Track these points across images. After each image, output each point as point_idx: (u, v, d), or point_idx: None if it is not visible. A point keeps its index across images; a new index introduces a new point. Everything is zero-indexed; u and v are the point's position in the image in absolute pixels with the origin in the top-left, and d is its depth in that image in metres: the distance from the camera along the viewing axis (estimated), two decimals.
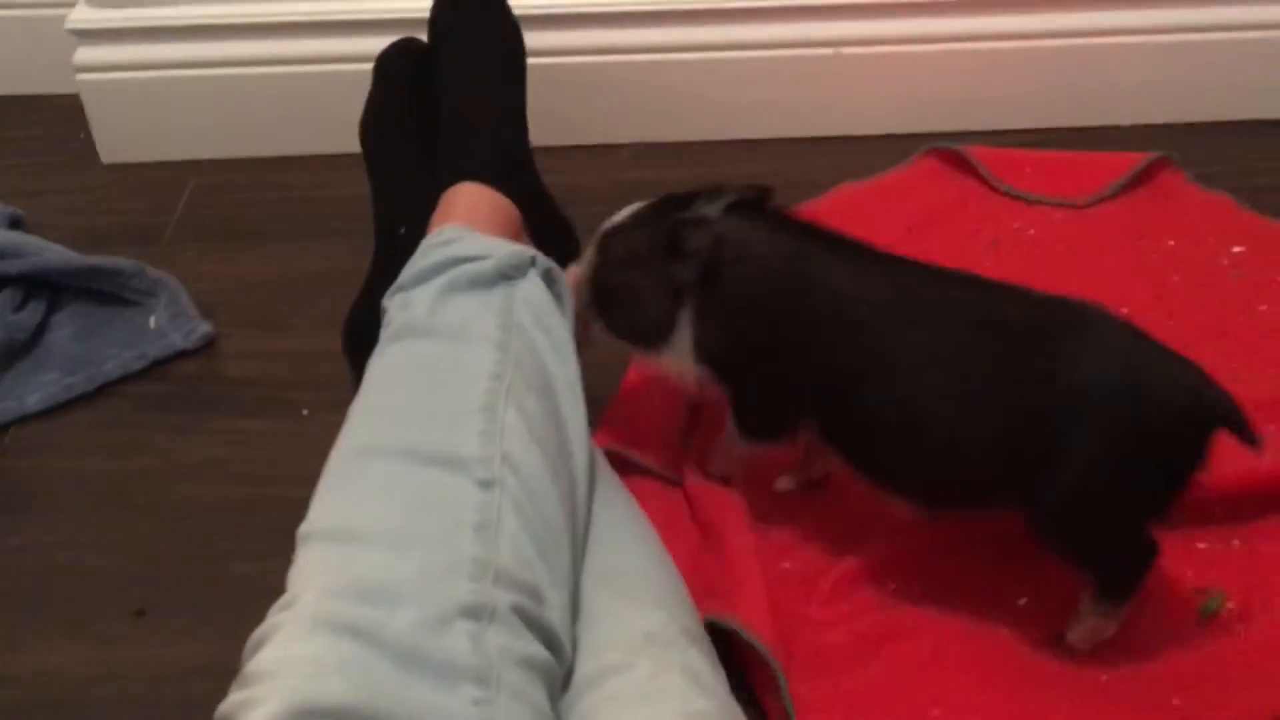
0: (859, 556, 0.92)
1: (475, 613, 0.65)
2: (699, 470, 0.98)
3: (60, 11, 1.35)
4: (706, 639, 0.80)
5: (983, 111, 1.38)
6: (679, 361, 0.90)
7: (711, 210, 0.87)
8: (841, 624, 0.87)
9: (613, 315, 0.92)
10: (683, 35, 1.33)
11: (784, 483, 0.99)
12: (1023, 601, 0.89)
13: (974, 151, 1.28)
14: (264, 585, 0.92)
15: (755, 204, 0.89)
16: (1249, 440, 0.79)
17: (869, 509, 0.92)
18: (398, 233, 1.06)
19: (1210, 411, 0.79)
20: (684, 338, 0.89)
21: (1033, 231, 1.21)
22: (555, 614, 0.70)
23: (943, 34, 1.34)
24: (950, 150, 1.29)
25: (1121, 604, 0.85)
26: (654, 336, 0.90)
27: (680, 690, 0.72)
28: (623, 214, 0.92)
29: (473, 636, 0.64)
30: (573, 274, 0.94)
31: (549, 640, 0.69)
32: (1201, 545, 0.92)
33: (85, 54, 1.35)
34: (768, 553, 0.92)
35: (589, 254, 0.92)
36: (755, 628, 0.82)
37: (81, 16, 1.33)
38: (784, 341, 0.86)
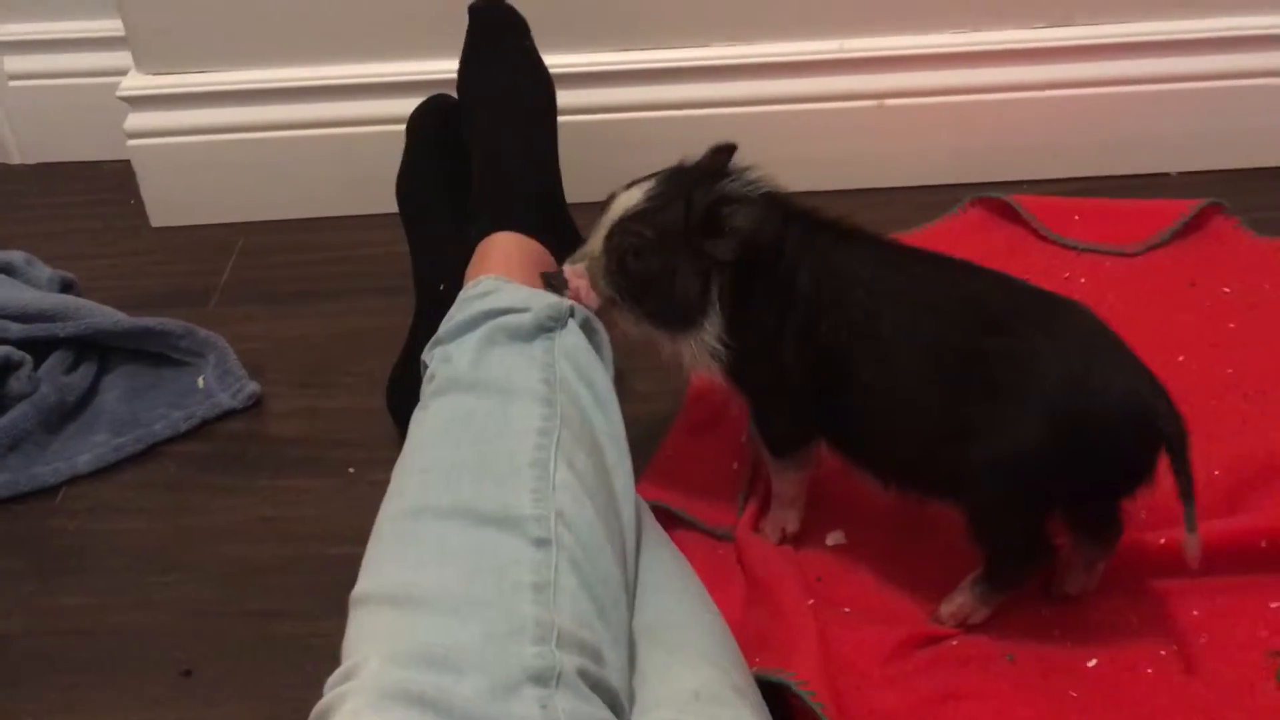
0: (918, 614, 0.90)
1: (542, 678, 0.64)
2: (752, 527, 0.97)
3: (111, 80, 1.38)
4: (758, 695, 0.78)
5: (1028, 161, 1.37)
6: (702, 348, 0.89)
7: (748, 192, 0.88)
8: (900, 683, 0.85)
9: (645, 300, 0.89)
10: (724, 90, 1.34)
11: (835, 538, 0.97)
12: (1092, 663, 0.87)
13: (1021, 200, 1.27)
14: (309, 645, 0.93)
15: (774, 193, 0.90)
16: (1178, 468, 0.79)
17: (931, 565, 0.91)
18: (437, 289, 1.07)
19: (1150, 425, 0.80)
20: (712, 324, 0.89)
21: (1083, 280, 1.20)
22: (615, 674, 0.69)
23: (987, 84, 1.34)
24: (997, 199, 1.28)
25: (997, 593, 0.88)
26: (685, 318, 0.89)
27: None
28: (631, 199, 0.89)
29: (542, 703, 0.63)
30: (575, 273, 0.90)
31: (612, 702, 0.67)
32: (1275, 605, 0.89)
33: (136, 120, 1.37)
34: (823, 607, 0.90)
35: (598, 246, 0.90)
36: (810, 684, 0.80)
37: (132, 84, 1.36)
38: (784, 325, 0.87)
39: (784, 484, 0.96)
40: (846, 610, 0.91)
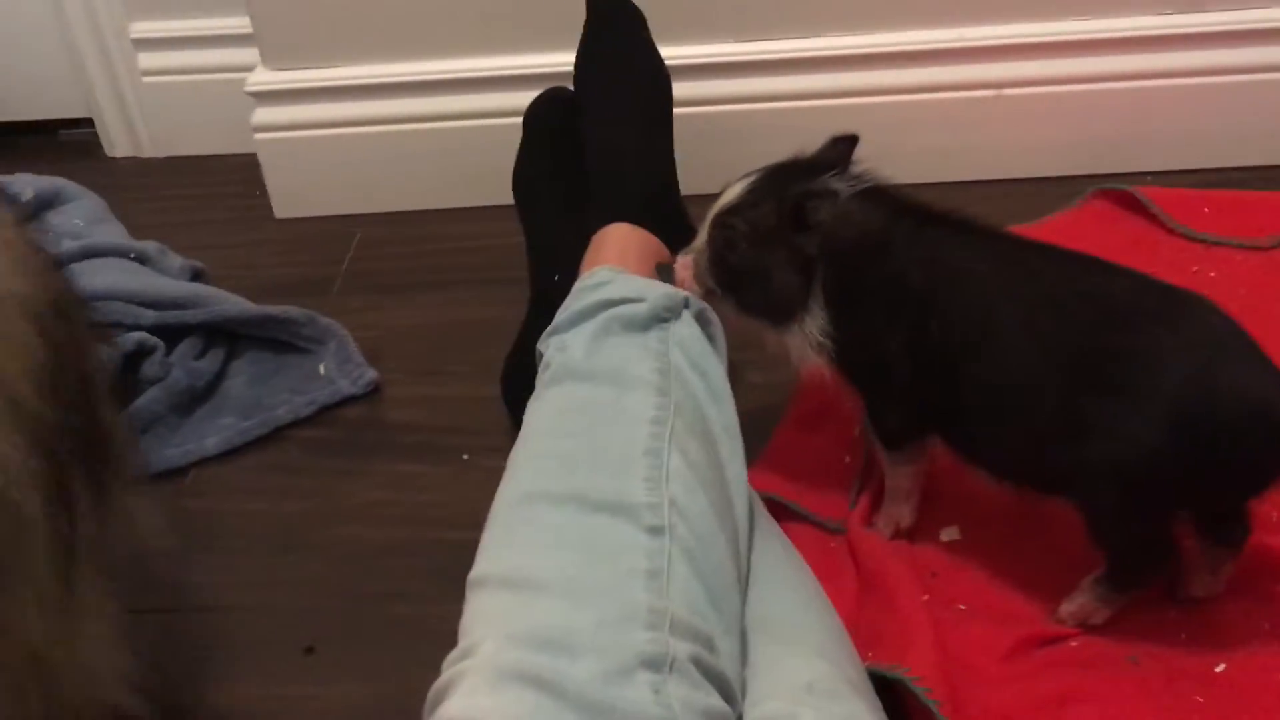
0: (1036, 612, 0.88)
1: (655, 663, 0.64)
2: (865, 521, 0.96)
3: (238, 76, 1.42)
4: (872, 691, 0.77)
5: (1153, 151, 1.33)
6: (807, 342, 0.90)
7: (839, 186, 0.88)
8: (1018, 682, 0.83)
9: (743, 293, 0.91)
10: (840, 81, 1.32)
11: (950, 534, 0.96)
12: (1220, 668, 0.84)
13: (1146, 192, 1.23)
14: (426, 627, 0.95)
15: (880, 186, 0.90)
16: None
17: (1049, 563, 0.89)
18: (552, 280, 1.08)
19: (1278, 427, 0.77)
20: (814, 318, 0.89)
21: (1213, 274, 1.16)
22: (728, 663, 0.69)
23: (1109, 72, 1.30)
24: (1121, 191, 1.25)
25: (1118, 594, 0.85)
26: (789, 308, 0.89)
27: None
28: (732, 193, 0.91)
29: (655, 688, 0.63)
30: (684, 264, 0.93)
31: (724, 690, 0.67)
32: None
33: (262, 114, 1.42)
34: (938, 604, 0.89)
35: (702, 239, 0.92)
36: (925, 680, 0.79)
37: (259, 79, 1.40)
38: (894, 320, 0.87)
39: (898, 478, 0.95)
40: (961, 607, 0.90)
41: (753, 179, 0.91)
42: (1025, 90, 1.31)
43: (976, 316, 0.85)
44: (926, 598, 0.89)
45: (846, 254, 0.87)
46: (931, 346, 0.86)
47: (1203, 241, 1.19)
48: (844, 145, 0.92)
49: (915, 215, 0.88)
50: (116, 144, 1.62)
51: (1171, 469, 0.79)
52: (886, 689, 0.80)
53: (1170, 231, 1.21)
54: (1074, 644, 0.86)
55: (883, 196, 0.89)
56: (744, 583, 0.79)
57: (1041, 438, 0.83)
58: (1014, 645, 0.85)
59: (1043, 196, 1.29)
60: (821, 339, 0.89)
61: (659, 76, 1.14)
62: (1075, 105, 1.32)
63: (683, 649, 0.66)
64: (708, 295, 0.92)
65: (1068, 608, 0.87)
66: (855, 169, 0.90)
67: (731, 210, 0.90)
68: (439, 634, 0.71)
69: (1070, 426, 0.81)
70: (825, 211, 0.86)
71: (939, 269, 0.86)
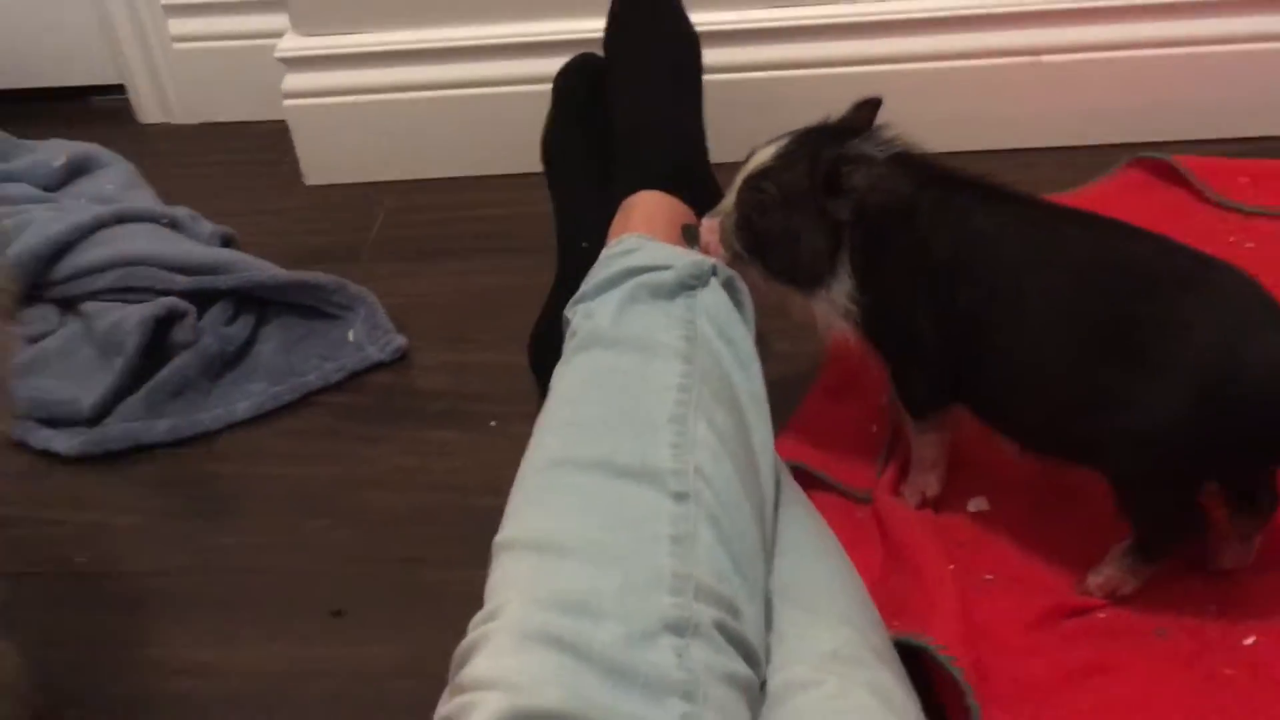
0: (1063, 583, 0.88)
1: (679, 628, 0.64)
2: (892, 490, 0.96)
3: (268, 42, 1.42)
4: (897, 659, 0.77)
5: (1190, 119, 1.30)
6: (834, 308, 0.90)
7: (872, 151, 0.87)
8: (1046, 653, 0.83)
9: (770, 257, 0.91)
10: (872, 48, 1.31)
11: (977, 504, 0.96)
12: (1250, 641, 0.83)
13: (1183, 161, 1.22)
14: (453, 591, 0.95)
15: (909, 151, 0.89)
16: None
17: (1077, 534, 0.88)
18: (579, 247, 1.08)
19: None
20: (841, 284, 0.88)
21: (1250, 244, 1.14)
22: (752, 629, 0.69)
23: (1148, 39, 1.28)
24: (1157, 160, 1.23)
25: (1147, 565, 0.85)
26: (812, 277, 0.89)
27: (869, 709, 0.70)
28: (762, 156, 0.91)
29: (678, 651, 0.63)
30: (710, 227, 0.93)
31: (748, 656, 0.68)
32: None
33: (292, 81, 1.42)
34: (964, 574, 0.89)
35: (730, 201, 0.92)
36: (950, 649, 0.79)
37: (289, 45, 1.40)
38: (930, 283, 0.86)
39: (924, 447, 0.94)
40: (988, 577, 0.89)
41: (783, 143, 0.91)
42: (1063, 57, 1.29)
43: (1002, 285, 0.84)
44: (952, 567, 0.88)
45: (875, 220, 0.87)
46: (958, 315, 0.86)
47: (1240, 211, 1.18)
48: (868, 109, 0.91)
49: (943, 181, 0.88)
50: (147, 110, 1.63)
51: (1198, 437, 0.78)
52: (911, 658, 0.80)
53: (1207, 201, 1.19)
54: (1101, 615, 0.86)
55: (911, 162, 0.88)
56: (769, 550, 0.79)
57: (1068, 407, 0.83)
58: (1041, 615, 0.85)
59: (1078, 165, 1.27)
60: (848, 305, 0.89)
61: (689, 43, 1.13)
62: (1113, 72, 1.30)
63: (706, 614, 0.66)
64: (733, 260, 0.92)
65: (1095, 579, 0.87)
66: (884, 134, 0.90)
67: (762, 174, 0.90)
68: (464, 597, 0.71)
69: (1096, 395, 0.80)
70: (860, 177, 0.86)
71: (965, 236, 0.85)
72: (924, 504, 0.95)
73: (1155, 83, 1.30)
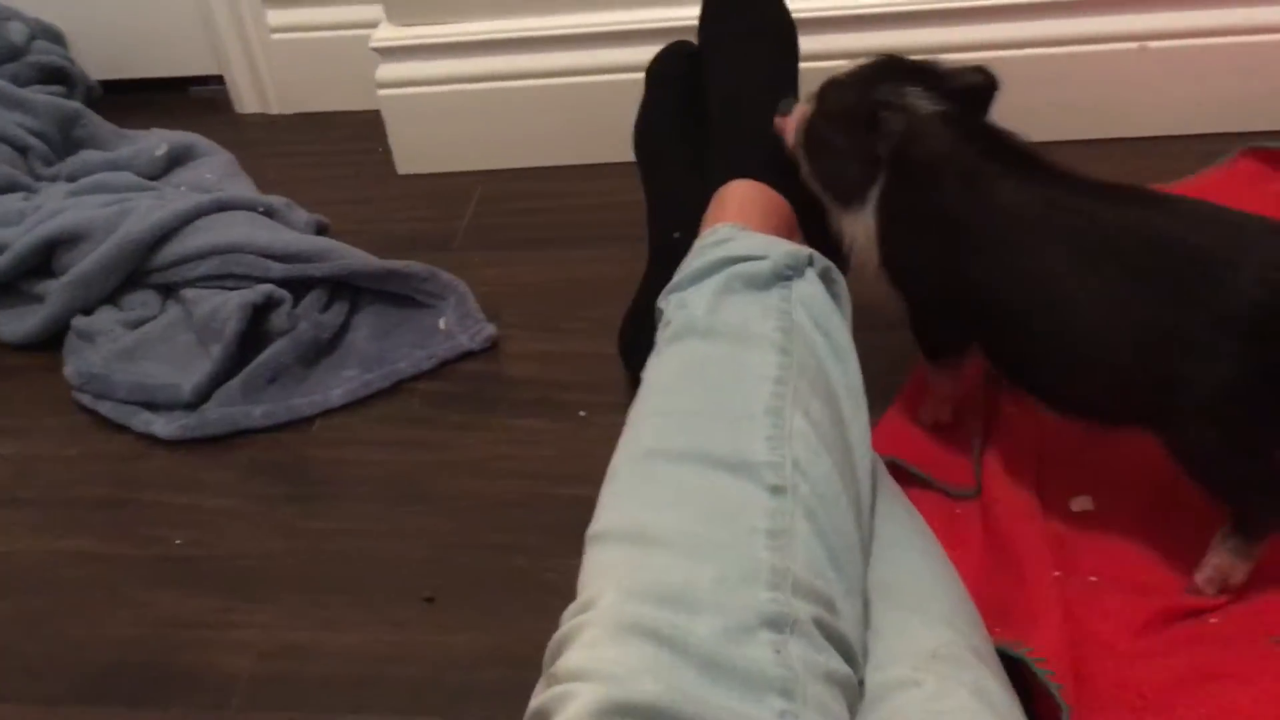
0: (1172, 586, 0.85)
1: (776, 623, 0.64)
2: (996, 487, 0.93)
3: (363, 32, 1.44)
4: (997, 660, 0.75)
5: None
6: (865, 235, 0.92)
7: (922, 103, 0.88)
8: (1154, 658, 0.80)
9: (816, 163, 0.95)
10: (970, 34, 1.28)
11: (1081, 503, 0.93)
12: None
13: None
14: (542, 581, 0.96)
15: (967, 109, 0.89)
16: None
17: (1184, 535, 0.85)
18: (671, 237, 1.07)
19: None
20: (869, 216, 0.91)
21: None
22: (849, 626, 0.68)
23: (1260, 24, 1.23)
24: (1272, 150, 1.18)
25: (1252, 542, 0.82)
26: (847, 197, 0.93)
27: (971, 710, 0.68)
28: (845, 69, 0.94)
29: (776, 647, 0.63)
30: (801, 110, 0.97)
31: (846, 653, 0.66)
32: None
33: (386, 70, 1.43)
34: (1069, 576, 0.86)
35: (811, 97, 0.96)
36: (1049, 662, 0.77)
37: (384, 35, 1.41)
38: (948, 247, 0.87)
39: (939, 383, 0.99)
40: (1093, 579, 0.87)
41: (866, 62, 0.93)
42: (1171, 43, 1.25)
43: (1023, 264, 0.84)
44: (1058, 574, 0.86)
45: (907, 170, 0.88)
46: (971, 281, 0.86)
47: None
48: (974, 75, 0.90)
49: (983, 146, 0.87)
50: (245, 100, 1.65)
51: (1255, 395, 0.76)
52: (1013, 664, 0.78)
53: None
54: (1213, 620, 0.83)
55: (961, 122, 0.88)
56: (867, 546, 0.78)
57: (1108, 383, 0.82)
58: (1148, 620, 0.82)
59: (1187, 155, 1.23)
60: (871, 239, 0.92)
61: (785, 30, 1.12)
62: (1223, 60, 1.25)
63: (804, 610, 0.65)
64: (794, 149, 0.97)
65: (1203, 574, 0.84)
66: (948, 88, 0.89)
67: (836, 85, 0.93)
68: (555, 587, 0.72)
69: (1144, 372, 0.79)
70: (896, 123, 0.88)
71: (988, 206, 0.85)
72: (937, 427, 0.99)
73: (1268, 70, 1.25)
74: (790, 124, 0.97)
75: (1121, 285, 0.80)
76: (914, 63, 0.92)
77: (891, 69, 0.92)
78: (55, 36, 1.63)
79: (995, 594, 0.85)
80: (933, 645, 0.72)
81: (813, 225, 1.02)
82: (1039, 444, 0.96)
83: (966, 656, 0.72)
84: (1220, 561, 0.83)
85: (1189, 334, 0.77)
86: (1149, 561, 0.88)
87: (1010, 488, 0.93)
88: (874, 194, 0.90)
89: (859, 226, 0.93)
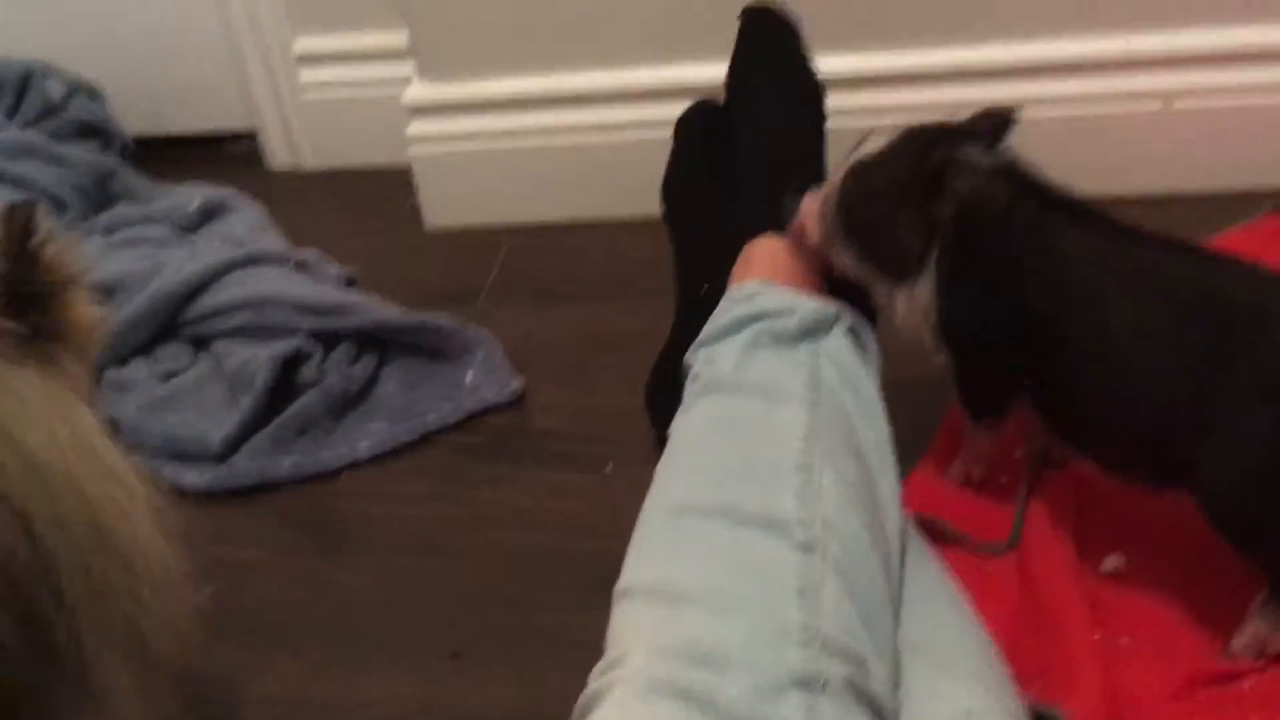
0: (1207, 648, 0.84)
1: (807, 683, 0.63)
2: (1038, 545, 0.93)
3: (393, 90, 1.46)
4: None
5: None
6: (914, 304, 0.91)
7: (980, 159, 0.88)
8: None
9: (864, 244, 0.92)
10: (998, 92, 1.27)
11: (1113, 562, 0.92)
12: None
13: None
14: (570, 638, 0.95)
15: (1016, 165, 0.89)
16: None
17: (1219, 596, 0.85)
18: (699, 291, 1.07)
19: None
20: (926, 282, 0.90)
21: None
22: (880, 686, 0.67)
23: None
24: None
25: None
26: (903, 270, 0.91)
27: None
28: (871, 146, 0.92)
29: (807, 708, 0.62)
30: (813, 200, 0.94)
31: (878, 714, 0.65)
32: None
33: (417, 126, 1.45)
34: (1104, 636, 0.85)
35: (835, 183, 0.93)
36: None
37: (415, 93, 1.44)
38: (1012, 299, 0.87)
39: (977, 440, 0.98)
40: (1125, 640, 0.86)
41: (895, 135, 0.92)
42: (1196, 103, 1.26)
43: (1085, 312, 0.84)
44: (1098, 636, 0.85)
45: (969, 226, 0.88)
46: (1034, 331, 0.86)
47: None
48: (989, 119, 0.91)
49: (1041, 198, 0.88)
50: (278, 156, 1.68)
51: None
52: None
53: None
54: (1247, 685, 0.81)
55: (1014, 173, 0.89)
56: (896, 604, 0.77)
57: (1151, 439, 0.82)
58: (1184, 683, 0.81)
59: (1212, 213, 1.23)
60: (928, 303, 0.90)
61: (812, 88, 1.13)
62: (1249, 118, 1.25)
63: (836, 669, 0.64)
64: (826, 239, 0.93)
65: (1240, 640, 0.83)
66: (994, 143, 0.90)
67: (870, 162, 0.91)
68: (581, 643, 0.71)
69: (1187, 429, 0.79)
70: (963, 181, 0.87)
71: (1050, 254, 0.86)
72: (968, 483, 1.00)
73: None
74: (810, 220, 0.94)
75: (1175, 336, 0.81)
76: (938, 126, 0.92)
77: (924, 134, 0.91)
78: (92, 93, 1.66)
79: (1032, 652, 0.84)
80: (967, 705, 0.71)
81: (839, 280, 1.02)
82: (1077, 502, 0.95)
83: (1000, 716, 0.71)
84: (1258, 629, 0.82)
85: (1230, 392, 0.77)
86: (1183, 623, 0.87)
87: (1050, 545, 0.92)
88: (932, 258, 0.89)
89: (915, 294, 0.91)
